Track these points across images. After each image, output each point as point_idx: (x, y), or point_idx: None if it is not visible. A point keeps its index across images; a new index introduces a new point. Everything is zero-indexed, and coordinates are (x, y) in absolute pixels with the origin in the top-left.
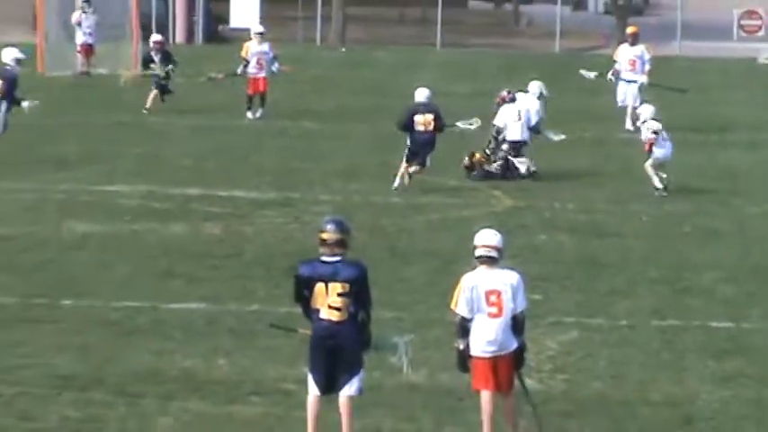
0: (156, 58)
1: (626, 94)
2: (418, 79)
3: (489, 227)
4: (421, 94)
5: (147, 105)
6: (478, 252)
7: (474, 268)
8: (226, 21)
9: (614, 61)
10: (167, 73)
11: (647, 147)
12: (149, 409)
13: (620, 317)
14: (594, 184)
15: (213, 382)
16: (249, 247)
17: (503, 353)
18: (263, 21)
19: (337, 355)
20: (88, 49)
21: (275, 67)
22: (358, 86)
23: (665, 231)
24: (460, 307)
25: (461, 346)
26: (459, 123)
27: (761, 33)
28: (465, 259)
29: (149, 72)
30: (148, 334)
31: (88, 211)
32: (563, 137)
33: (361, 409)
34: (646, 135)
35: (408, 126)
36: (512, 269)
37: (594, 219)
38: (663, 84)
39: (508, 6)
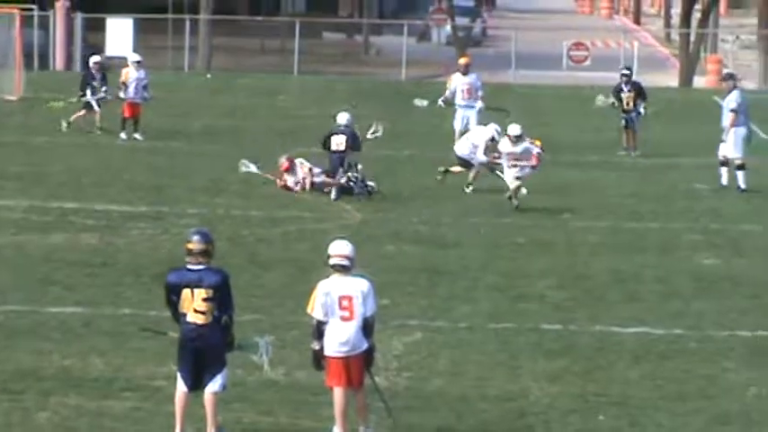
0: (98, 77)
1: (463, 118)
2: (278, 103)
3: (342, 237)
4: (341, 118)
5: (71, 120)
6: (332, 261)
7: (328, 276)
8: (102, 50)
9: (446, 88)
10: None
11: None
12: (30, 404)
13: (459, 320)
14: (437, 200)
15: (89, 380)
16: (122, 257)
17: (354, 353)
18: (135, 50)
19: (203, 355)
20: None
21: (147, 93)
22: (222, 110)
23: (501, 242)
24: (316, 311)
25: (317, 347)
26: (368, 135)
27: (587, 63)
28: (319, 267)
29: (83, 99)
30: (29, 335)
31: None
32: (516, 204)
33: (224, 403)
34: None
35: (326, 146)
36: (362, 276)
37: (437, 231)
38: (491, 106)
39: (359, 37)
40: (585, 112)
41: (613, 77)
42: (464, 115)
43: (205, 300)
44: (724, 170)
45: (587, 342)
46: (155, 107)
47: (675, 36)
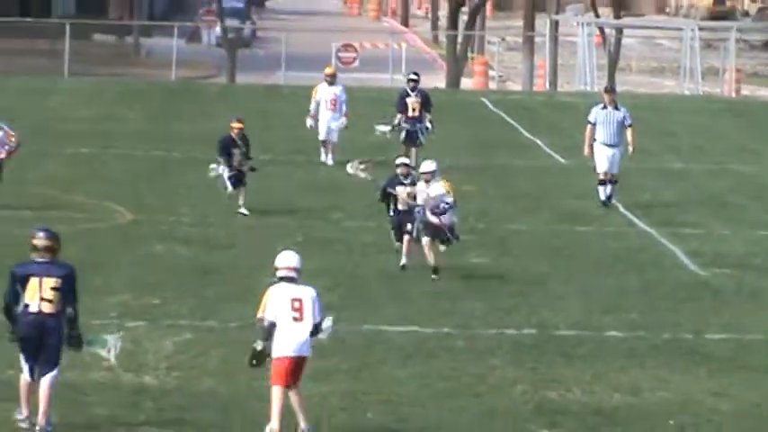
0: None
1: (328, 131)
2: (48, 105)
3: (289, 249)
4: None
5: None
6: (280, 273)
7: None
8: None
9: (312, 99)
10: None
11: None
12: None
13: (230, 320)
14: (208, 200)
15: None
16: None
17: (302, 355)
18: None
19: (43, 343)
20: None
21: None
22: None
23: (274, 242)
24: (268, 313)
25: (259, 347)
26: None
27: (356, 64)
28: (99, 267)
29: None
30: None
31: None
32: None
33: None
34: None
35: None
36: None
37: (207, 232)
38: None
39: (129, 39)
40: (357, 113)
41: (382, 78)
42: (329, 127)
43: (53, 288)
44: (602, 188)
45: (356, 341)
46: None
47: (443, 38)
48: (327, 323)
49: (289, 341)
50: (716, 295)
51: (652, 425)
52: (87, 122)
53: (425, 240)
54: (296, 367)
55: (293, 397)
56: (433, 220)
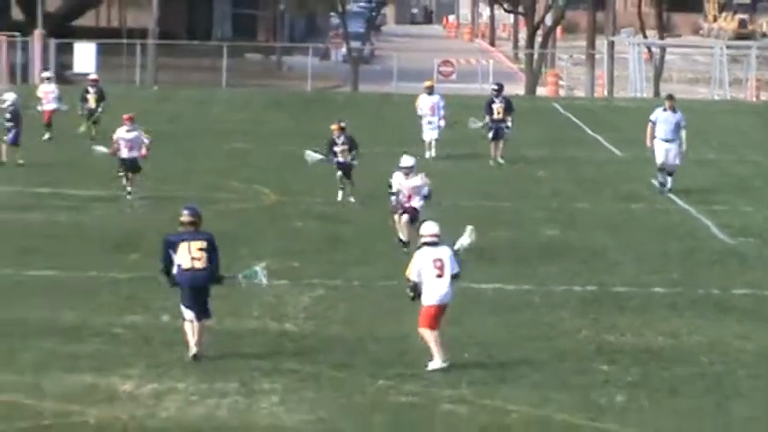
0: (92, 90)
1: (429, 133)
2: (211, 111)
3: (431, 219)
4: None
5: (81, 130)
6: (424, 239)
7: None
8: (70, 66)
9: (417, 107)
10: (98, 107)
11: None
12: (13, 346)
13: (353, 279)
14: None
15: (64, 328)
16: (88, 230)
17: (444, 303)
18: (98, 68)
19: (198, 291)
20: None
21: (62, 105)
22: (167, 116)
23: (386, 219)
24: (413, 274)
25: (411, 294)
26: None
27: (453, 77)
28: (249, 239)
29: (83, 110)
30: (14, 293)
31: None
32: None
33: (173, 344)
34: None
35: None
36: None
37: (336, 210)
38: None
39: (273, 57)
40: (453, 115)
41: (474, 87)
42: (430, 129)
43: (200, 249)
44: (660, 173)
45: (455, 296)
46: (111, 113)
47: (522, 55)
48: (469, 240)
49: (434, 293)
50: (741, 259)
51: (689, 361)
52: (241, 124)
53: (404, 219)
54: (440, 312)
55: (436, 335)
56: (405, 204)
